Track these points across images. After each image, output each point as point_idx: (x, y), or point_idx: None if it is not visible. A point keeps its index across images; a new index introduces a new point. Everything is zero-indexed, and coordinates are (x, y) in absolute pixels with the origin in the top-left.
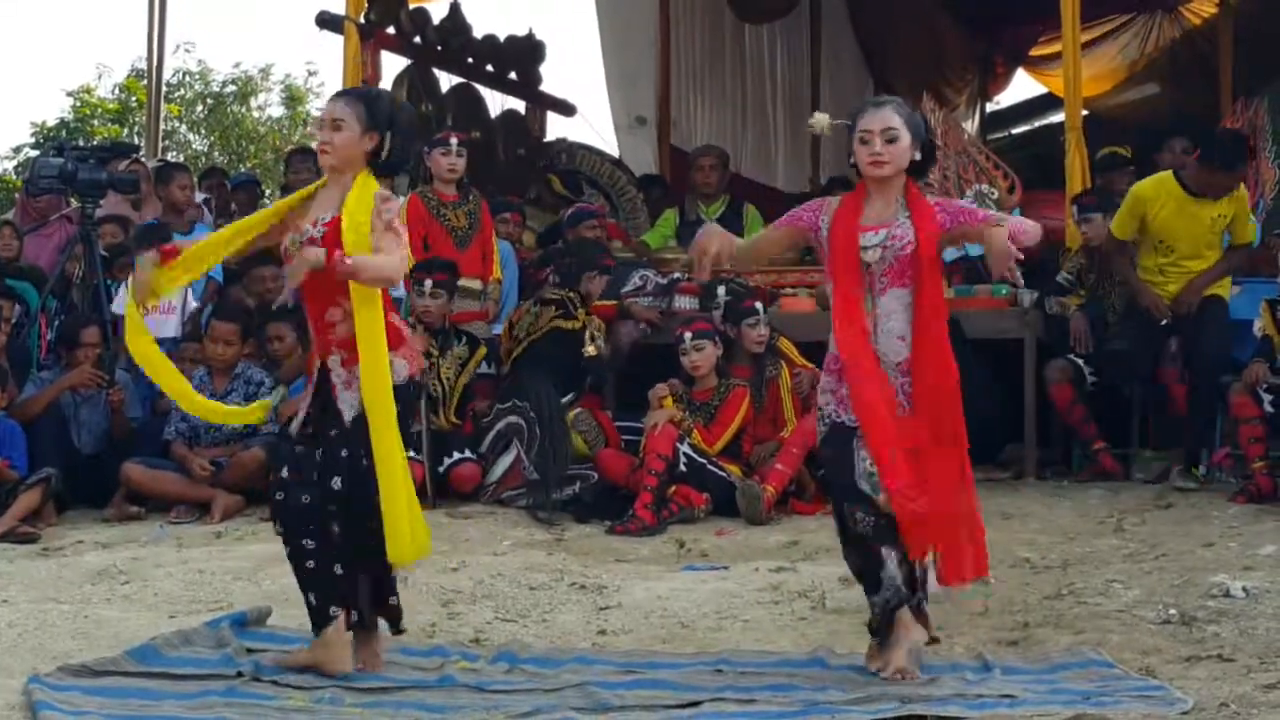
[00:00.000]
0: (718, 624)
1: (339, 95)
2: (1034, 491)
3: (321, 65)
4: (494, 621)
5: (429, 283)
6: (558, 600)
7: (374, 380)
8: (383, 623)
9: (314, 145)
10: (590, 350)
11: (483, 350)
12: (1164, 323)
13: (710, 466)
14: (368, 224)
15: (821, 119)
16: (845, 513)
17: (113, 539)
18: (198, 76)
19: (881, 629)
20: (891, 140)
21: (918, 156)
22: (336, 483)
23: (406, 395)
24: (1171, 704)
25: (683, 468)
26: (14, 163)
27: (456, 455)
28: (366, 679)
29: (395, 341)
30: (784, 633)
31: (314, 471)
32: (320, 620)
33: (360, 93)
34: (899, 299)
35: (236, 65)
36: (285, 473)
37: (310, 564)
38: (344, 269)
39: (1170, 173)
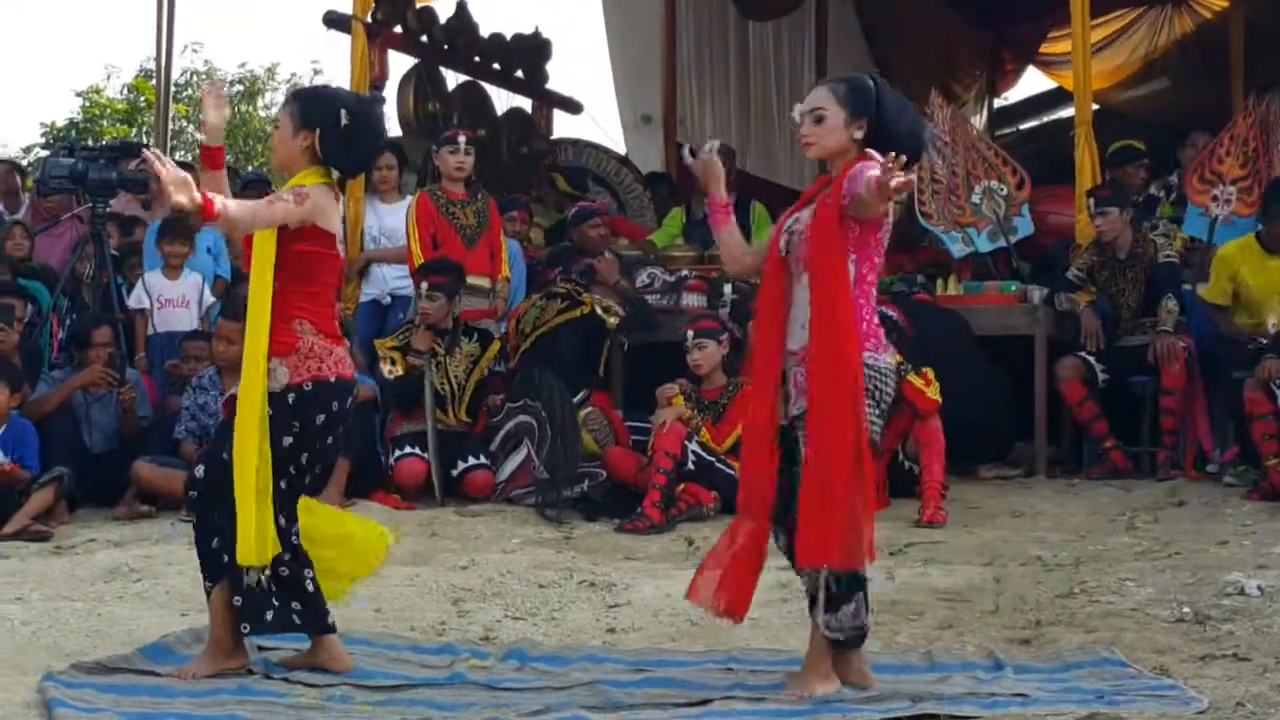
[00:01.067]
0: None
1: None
2: (1045, 489)
3: (327, 64)
4: (504, 619)
5: (425, 285)
6: (567, 598)
7: (246, 375)
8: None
9: None
10: (611, 321)
11: (496, 345)
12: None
13: (719, 464)
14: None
15: (800, 108)
16: None
17: (124, 537)
18: (205, 76)
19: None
20: (819, 120)
21: (858, 134)
22: (199, 470)
23: (284, 402)
24: (1186, 703)
25: (691, 466)
26: (25, 162)
27: (471, 460)
28: (377, 676)
29: (282, 348)
30: (793, 631)
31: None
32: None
33: (297, 92)
34: (805, 286)
35: (242, 65)
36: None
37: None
38: (219, 212)
39: (1253, 234)
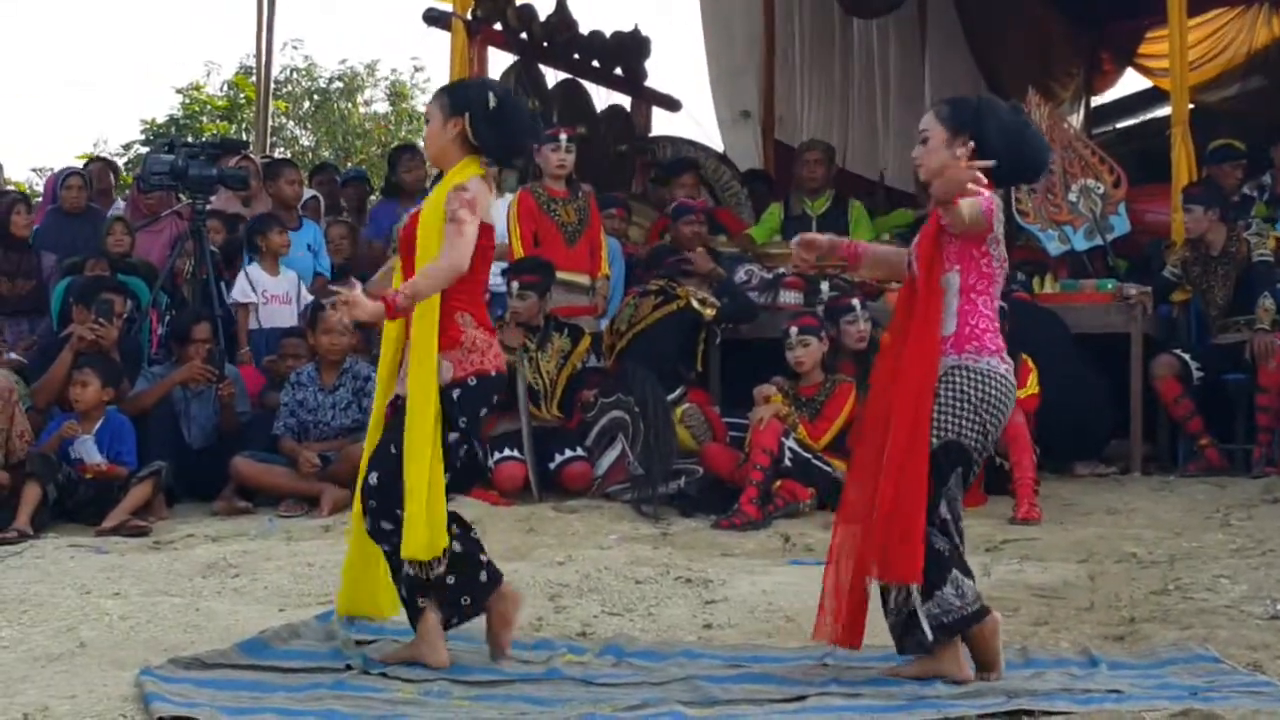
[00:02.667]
0: None
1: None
2: (1140, 487)
3: (427, 61)
4: (600, 615)
5: (515, 284)
6: (663, 594)
7: (416, 372)
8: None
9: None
10: (708, 313)
11: (587, 340)
12: None
13: (815, 461)
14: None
15: None
16: None
17: (222, 532)
18: (304, 73)
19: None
20: (923, 141)
21: (960, 152)
22: (373, 478)
23: (451, 397)
24: None
25: (788, 462)
26: (125, 159)
27: (568, 453)
28: (474, 672)
29: (447, 342)
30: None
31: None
32: (411, 613)
33: (450, 85)
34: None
35: (343, 61)
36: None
37: (387, 549)
38: (403, 306)
39: None
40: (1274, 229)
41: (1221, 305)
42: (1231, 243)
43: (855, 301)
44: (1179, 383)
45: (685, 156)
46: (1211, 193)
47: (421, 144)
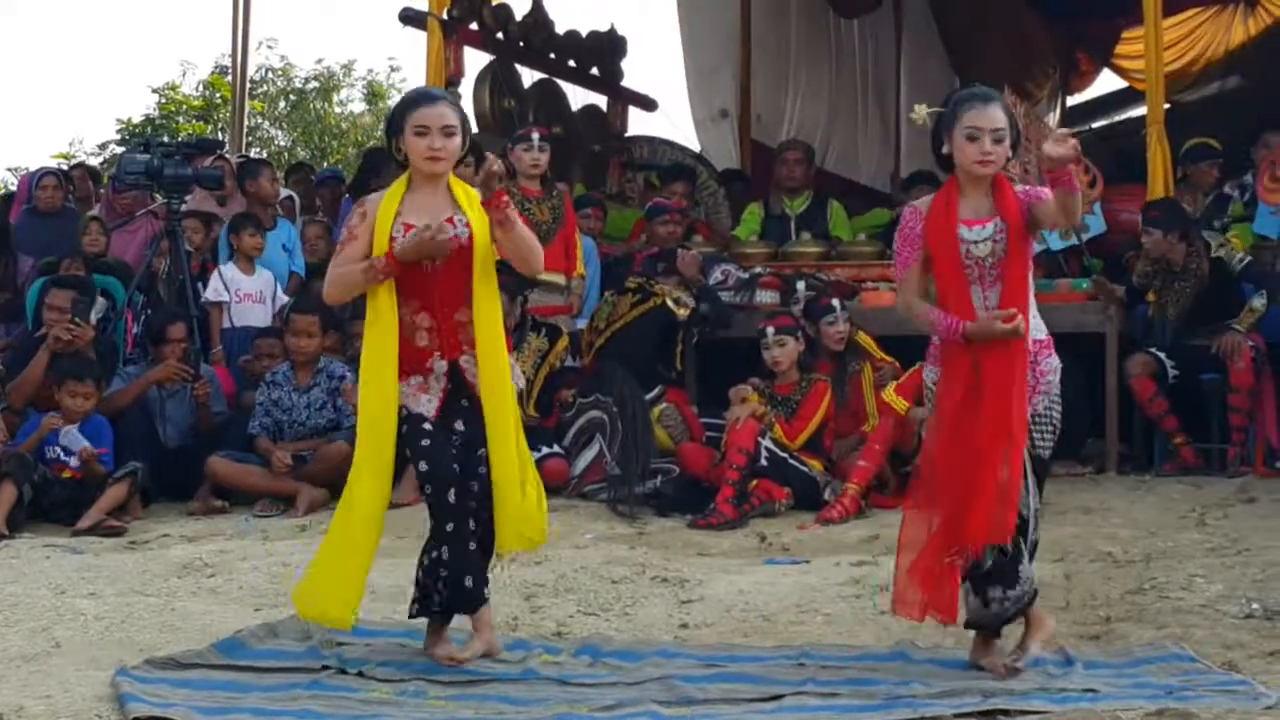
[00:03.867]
0: (799, 617)
1: (443, 99)
2: (1116, 486)
3: (404, 61)
4: (576, 615)
5: None
6: (640, 594)
7: (493, 374)
8: None
9: (421, 147)
10: (681, 313)
11: (564, 340)
12: None
13: (792, 461)
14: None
15: (921, 110)
16: None
17: (198, 532)
18: (280, 73)
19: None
20: (999, 140)
21: (1011, 155)
22: (474, 485)
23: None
24: (1255, 699)
25: (764, 462)
26: (101, 159)
27: (545, 450)
28: (450, 672)
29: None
30: (866, 626)
31: (457, 463)
32: (477, 602)
33: (450, 96)
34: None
35: (319, 61)
36: (438, 467)
37: (472, 546)
38: (504, 215)
39: None
40: (1237, 230)
41: (1174, 320)
42: (1192, 259)
43: (835, 302)
44: (1153, 381)
45: (682, 164)
46: (1172, 214)
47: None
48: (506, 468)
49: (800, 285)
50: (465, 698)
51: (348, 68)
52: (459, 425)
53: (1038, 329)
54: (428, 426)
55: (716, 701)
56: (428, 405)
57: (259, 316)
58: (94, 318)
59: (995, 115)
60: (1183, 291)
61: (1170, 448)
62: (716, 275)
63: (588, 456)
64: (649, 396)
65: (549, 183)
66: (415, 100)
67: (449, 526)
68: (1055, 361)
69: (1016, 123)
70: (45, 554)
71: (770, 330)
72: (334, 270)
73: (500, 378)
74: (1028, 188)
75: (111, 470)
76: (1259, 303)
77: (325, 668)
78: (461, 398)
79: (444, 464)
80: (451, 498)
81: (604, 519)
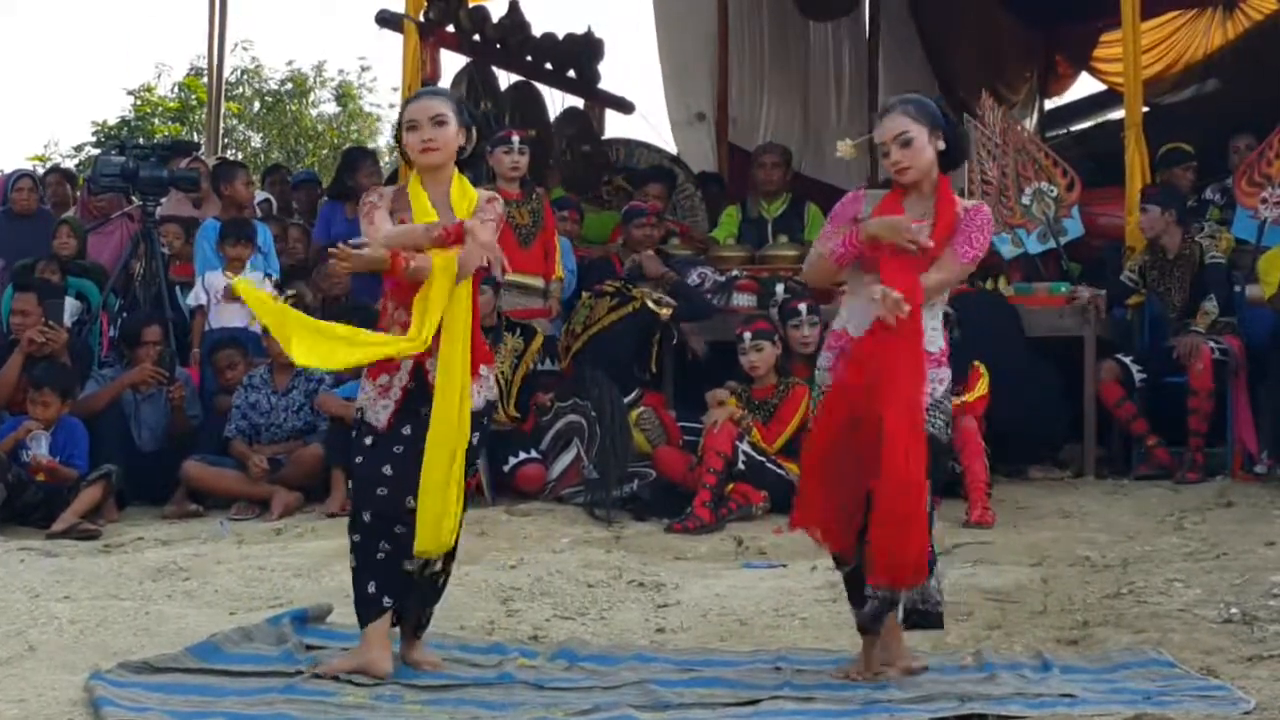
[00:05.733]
0: (776, 621)
1: (430, 93)
2: (1093, 490)
3: (374, 60)
4: (552, 619)
5: None
6: (616, 598)
7: (447, 380)
8: None
9: (414, 141)
10: (665, 312)
11: (539, 339)
12: None
13: (769, 465)
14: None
15: (844, 145)
16: None
17: (173, 536)
18: (253, 74)
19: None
20: (906, 144)
21: (941, 145)
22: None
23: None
24: (1234, 704)
25: (741, 466)
26: (76, 161)
27: (522, 455)
28: (425, 676)
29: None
30: (842, 631)
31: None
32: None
33: (445, 90)
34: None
35: (290, 63)
36: (388, 469)
37: (379, 556)
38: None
39: None
40: (1226, 231)
41: (1179, 308)
42: (1187, 246)
43: (803, 306)
44: (1120, 386)
45: (659, 166)
46: (1169, 194)
47: (382, 145)
48: (437, 471)
49: (779, 288)
50: (441, 702)
51: (319, 69)
52: (406, 430)
53: (931, 341)
54: (369, 441)
55: (693, 706)
56: (382, 412)
57: (239, 318)
58: (68, 320)
59: (893, 123)
60: (1182, 280)
61: (1144, 450)
62: (693, 278)
63: (565, 460)
64: (627, 400)
65: (528, 185)
66: (407, 101)
67: (355, 537)
68: (945, 373)
69: (943, 113)
70: (19, 557)
71: (748, 335)
72: (386, 231)
73: (452, 383)
74: (967, 217)
75: (85, 473)
76: (1210, 305)
77: (300, 671)
78: (421, 404)
79: (374, 478)
80: (367, 517)
81: (581, 523)
